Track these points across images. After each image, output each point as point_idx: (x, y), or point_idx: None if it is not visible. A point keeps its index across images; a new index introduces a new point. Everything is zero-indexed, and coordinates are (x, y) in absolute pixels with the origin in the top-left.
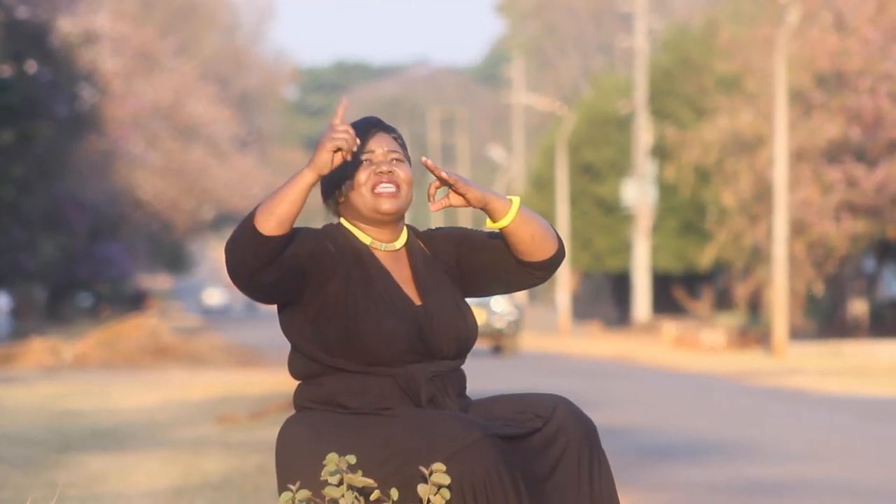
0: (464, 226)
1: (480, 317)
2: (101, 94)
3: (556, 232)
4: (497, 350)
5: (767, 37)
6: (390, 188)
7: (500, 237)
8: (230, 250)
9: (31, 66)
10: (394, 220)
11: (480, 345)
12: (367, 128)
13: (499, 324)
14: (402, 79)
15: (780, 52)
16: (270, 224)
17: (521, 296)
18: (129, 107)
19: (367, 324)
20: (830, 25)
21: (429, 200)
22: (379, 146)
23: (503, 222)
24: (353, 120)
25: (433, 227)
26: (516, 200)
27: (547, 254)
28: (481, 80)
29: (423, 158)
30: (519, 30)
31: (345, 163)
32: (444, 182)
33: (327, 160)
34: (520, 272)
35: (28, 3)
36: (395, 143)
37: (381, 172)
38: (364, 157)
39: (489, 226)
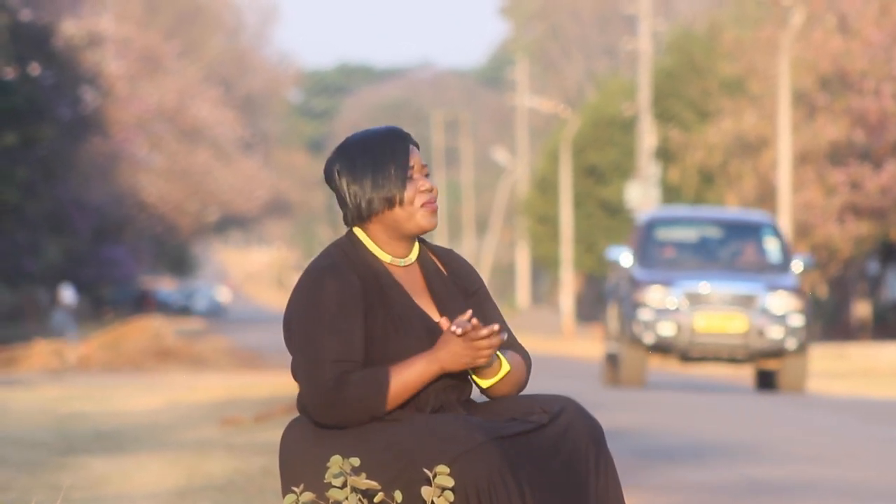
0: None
1: (741, 322)
2: (104, 96)
3: (523, 384)
4: (766, 381)
5: (771, 39)
6: (435, 205)
7: (499, 318)
8: (347, 418)
9: (35, 69)
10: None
11: (730, 370)
12: (405, 143)
13: (775, 333)
14: (406, 81)
15: (783, 55)
16: (397, 404)
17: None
18: (133, 109)
19: (387, 349)
20: (834, 27)
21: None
22: (416, 161)
23: (486, 384)
24: (360, 122)
25: (454, 250)
26: (504, 369)
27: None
28: (485, 83)
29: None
30: (523, 32)
31: (391, 178)
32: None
33: (460, 365)
34: None
35: (32, 6)
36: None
37: (426, 190)
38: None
39: (475, 378)
